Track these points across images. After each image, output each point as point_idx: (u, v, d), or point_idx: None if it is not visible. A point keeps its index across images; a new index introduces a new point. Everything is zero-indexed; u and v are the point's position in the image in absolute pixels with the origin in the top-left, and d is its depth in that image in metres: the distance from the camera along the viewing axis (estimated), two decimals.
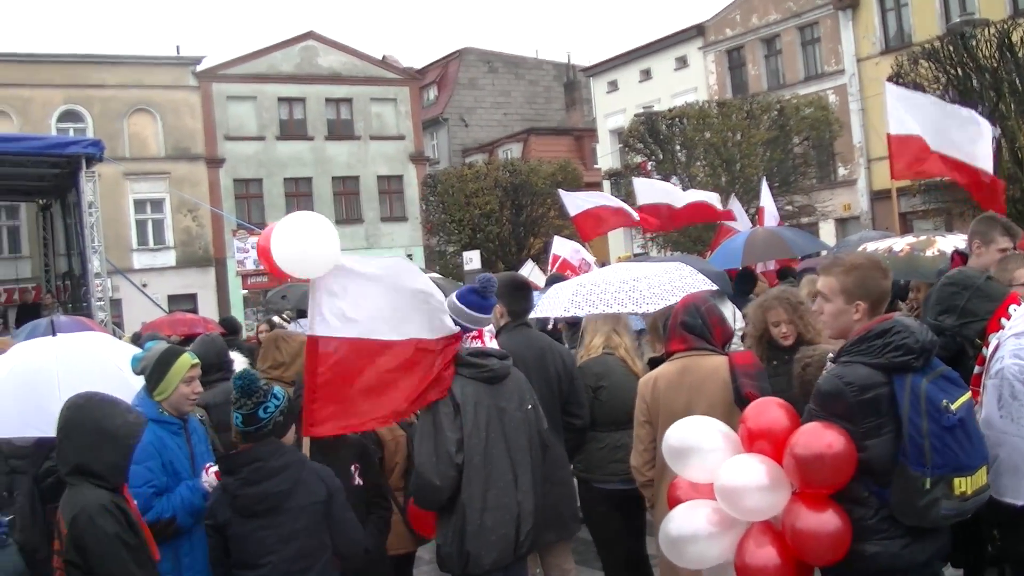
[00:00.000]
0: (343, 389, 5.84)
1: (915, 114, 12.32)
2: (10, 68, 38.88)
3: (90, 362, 6.52)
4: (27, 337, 11.80)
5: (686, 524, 4.74)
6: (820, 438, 4.30)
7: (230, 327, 14.58)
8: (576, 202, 17.20)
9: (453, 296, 6.18)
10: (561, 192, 18.18)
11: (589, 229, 16.94)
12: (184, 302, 38.01)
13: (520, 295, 7.12)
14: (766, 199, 18.17)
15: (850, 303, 4.56)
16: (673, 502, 4.97)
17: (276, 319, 16.69)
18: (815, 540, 4.35)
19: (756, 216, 20.50)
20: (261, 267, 39.86)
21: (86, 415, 4.79)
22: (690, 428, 4.96)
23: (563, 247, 18.15)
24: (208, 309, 37.53)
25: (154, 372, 5.91)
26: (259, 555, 5.13)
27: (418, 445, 5.76)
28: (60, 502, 4.74)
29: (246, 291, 41.33)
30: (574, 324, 9.34)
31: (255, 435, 5.23)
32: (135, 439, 4.85)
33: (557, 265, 17.36)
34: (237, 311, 38.75)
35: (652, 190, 17.64)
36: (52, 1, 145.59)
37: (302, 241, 5.81)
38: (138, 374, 5.95)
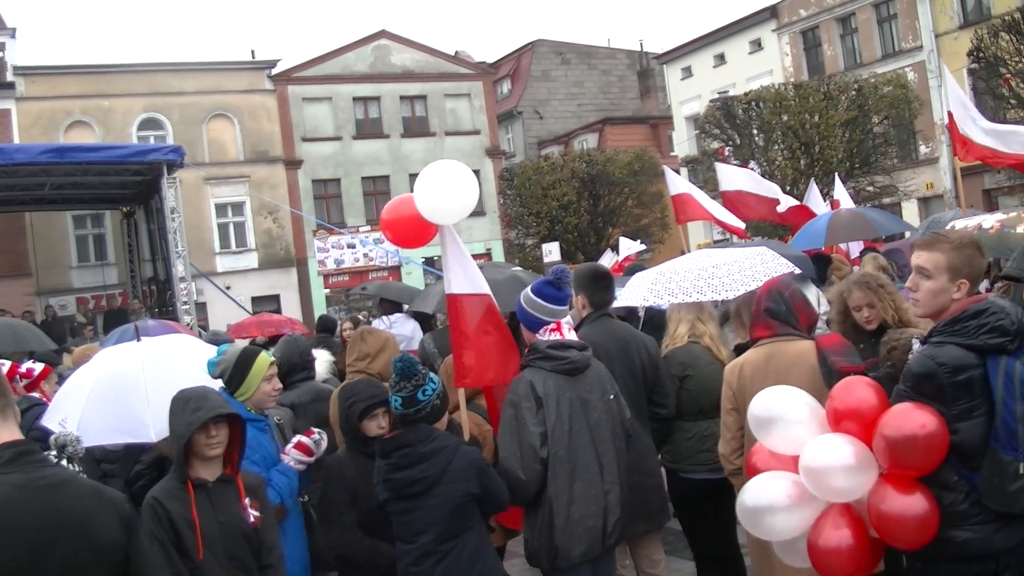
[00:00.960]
0: (481, 342, 6.27)
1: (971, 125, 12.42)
2: (91, 79, 39.54)
3: (175, 366, 6.57)
4: (116, 342, 11.97)
5: (764, 494, 4.70)
6: (912, 419, 4.20)
7: (326, 326, 14.68)
8: (677, 182, 16.97)
9: (528, 290, 6.16)
10: (665, 168, 17.91)
11: (682, 212, 16.69)
12: (267, 303, 38.45)
13: (601, 285, 7.07)
14: (840, 193, 17.85)
15: (953, 281, 4.42)
16: (751, 470, 4.93)
17: (360, 316, 16.84)
18: (902, 523, 4.26)
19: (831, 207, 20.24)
20: (343, 265, 40.44)
21: (169, 411, 5.06)
22: (776, 397, 4.91)
23: (629, 247, 18.05)
24: (291, 309, 37.88)
25: (235, 374, 5.96)
26: (412, 533, 5.35)
27: (501, 440, 5.75)
28: None
29: (328, 290, 41.67)
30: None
31: (412, 418, 5.40)
32: (184, 439, 4.99)
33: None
34: (319, 310, 39.03)
35: (735, 176, 17.46)
36: (130, 12, 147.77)
37: (446, 186, 6.07)
38: (216, 378, 5.99)
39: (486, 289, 6.43)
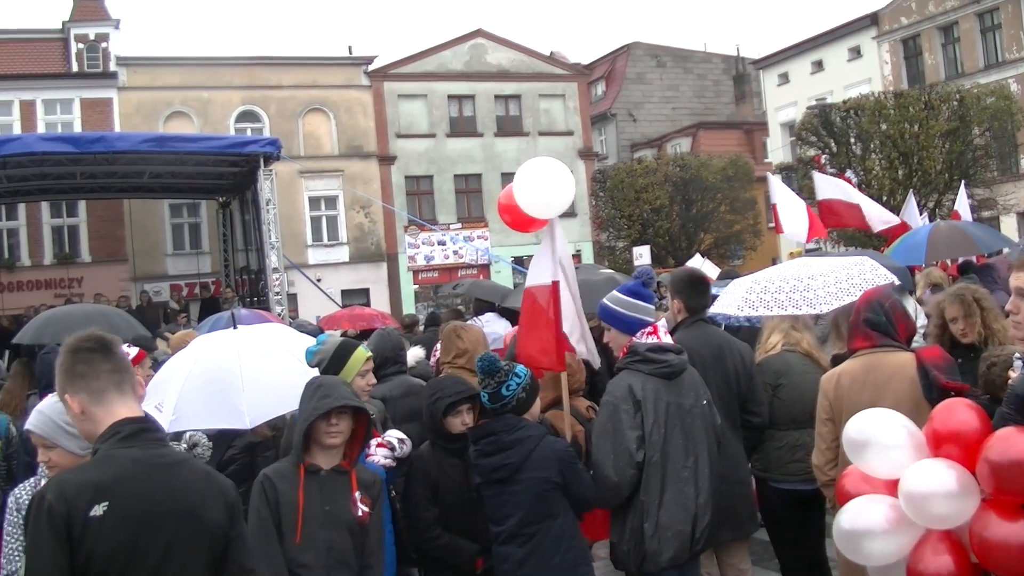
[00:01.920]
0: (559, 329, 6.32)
1: None
2: (192, 71, 40.07)
3: (270, 355, 6.64)
4: (210, 330, 12.15)
5: (861, 518, 4.60)
6: (1018, 443, 4.10)
7: (407, 324, 14.78)
8: (780, 190, 16.79)
9: (616, 292, 6.15)
10: (769, 176, 17.72)
11: (780, 221, 16.48)
12: (357, 296, 38.72)
13: (698, 290, 7.03)
14: (961, 204, 17.52)
15: None
16: (842, 493, 4.85)
17: (460, 308, 16.90)
18: (1005, 550, 4.15)
19: (949, 217, 19.86)
20: (432, 262, 40.61)
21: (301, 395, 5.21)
22: (872, 421, 4.81)
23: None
24: (380, 303, 38.03)
25: (331, 366, 6.00)
26: (501, 516, 5.55)
27: (596, 442, 5.75)
28: None
29: (417, 286, 41.83)
30: None
31: (499, 411, 5.61)
32: (307, 423, 5.09)
33: None
34: (408, 306, 39.34)
35: (831, 186, 17.24)
36: (231, 5, 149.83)
37: (546, 183, 6.15)
38: (313, 367, 6.04)
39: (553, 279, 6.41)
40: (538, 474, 5.49)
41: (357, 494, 5.12)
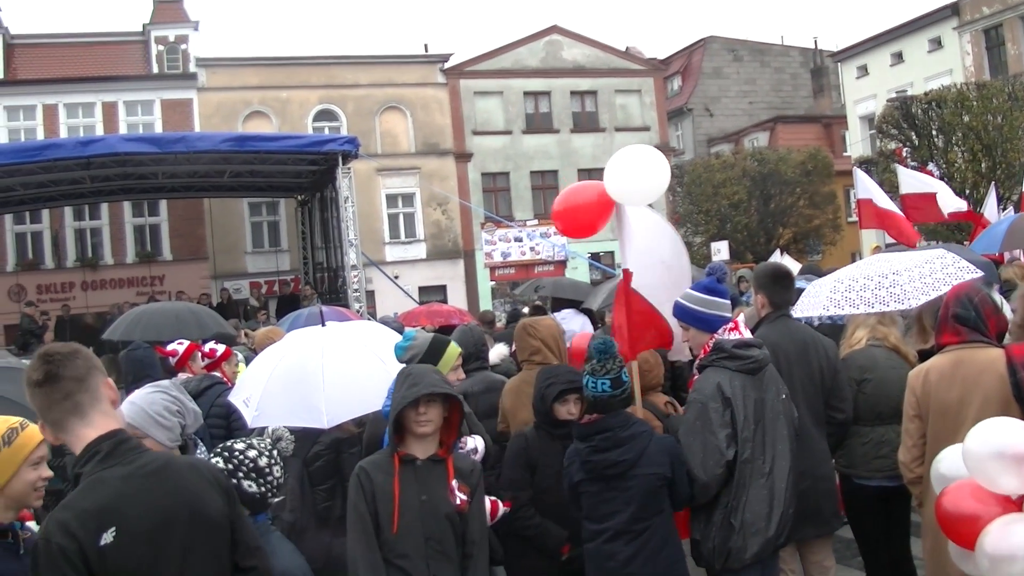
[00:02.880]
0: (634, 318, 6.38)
1: None
2: (270, 71, 40.55)
3: (353, 355, 6.67)
4: (290, 326, 12.25)
5: (1008, 541, 4.30)
6: None
7: (486, 320, 14.81)
8: (867, 186, 16.58)
9: (691, 291, 6.11)
10: (856, 171, 17.50)
11: (866, 217, 16.29)
12: (434, 293, 38.85)
13: (782, 285, 6.95)
14: None
15: None
16: (943, 515, 4.58)
17: (525, 310, 16.86)
18: None
19: (1020, 203, 19.56)
20: (509, 258, 40.64)
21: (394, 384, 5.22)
22: (1000, 430, 4.52)
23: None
24: (457, 300, 38.11)
25: (423, 360, 6.02)
26: (605, 513, 5.49)
27: (684, 440, 5.71)
28: None
29: (494, 283, 41.89)
30: None
31: (618, 400, 5.55)
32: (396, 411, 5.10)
33: None
34: (485, 302, 39.42)
35: (911, 179, 17.01)
36: (307, 5, 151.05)
37: (639, 169, 6.12)
38: (403, 362, 6.06)
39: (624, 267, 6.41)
40: (652, 470, 5.48)
41: (454, 483, 5.12)
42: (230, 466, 4.57)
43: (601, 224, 6.62)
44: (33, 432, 4.13)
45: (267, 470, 4.74)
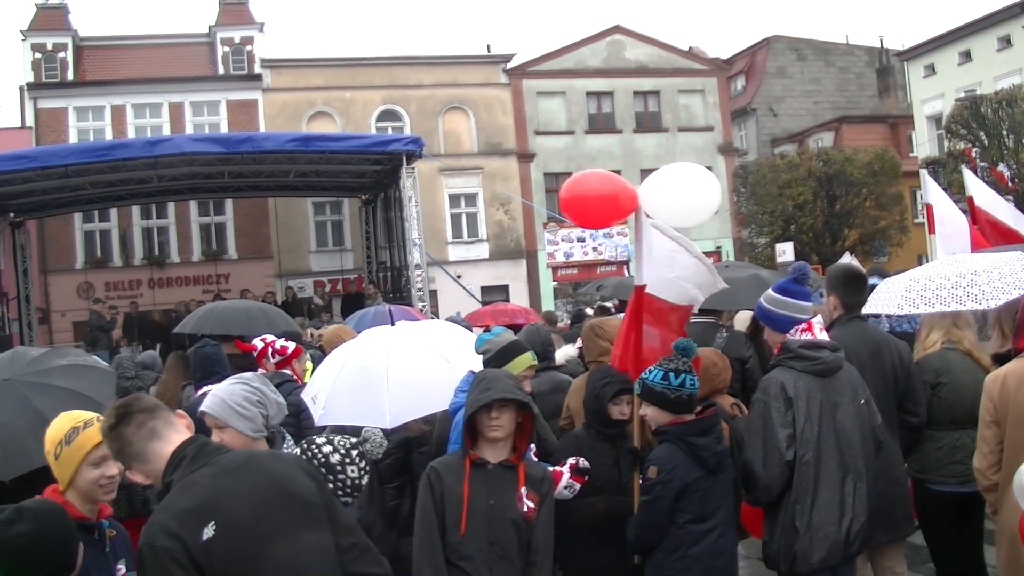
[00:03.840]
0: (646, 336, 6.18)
1: None
2: (334, 71, 40.82)
3: (419, 355, 6.69)
4: (356, 325, 12.30)
5: None
6: None
7: (549, 321, 14.80)
8: (936, 191, 16.28)
9: (770, 291, 6.07)
10: (923, 174, 17.22)
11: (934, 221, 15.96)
12: (496, 293, 38.88)
13: (855, 287, 6.89)
14: None
15: None
16: None
17: (588, 310, 16.83)
18: None
19: None
20: (572, 259, 40.60)
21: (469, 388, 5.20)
22: None
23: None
24: (519, 300, 37.99)
25: (495, 358, 6.02)
26: (711, 508, 5.48)
27: (747, 440, 5.69)
28: None
29: (555, 283, 41.88)
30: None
31: (696, 399, 5.59)
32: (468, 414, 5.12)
33: None
34: (547, 302, 39.41)
35: (985, 195, 16.70)
36: (370, 6, 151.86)
37: (685, 188, 6.04)
38: (480, 353, 6.08)
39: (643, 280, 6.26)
40: (736, 461, 5.64)
41: (524, 489, 5.11)
42: (304, 458, 4.60)
43: (613, 221, 6.51)
44: (93, 432, 4.21)
45: (338, 467, 4.75)
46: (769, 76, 59.79)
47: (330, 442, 4.78)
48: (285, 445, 5.08)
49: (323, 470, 4.68)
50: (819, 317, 6.11)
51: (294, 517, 3.56)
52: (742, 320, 9.86)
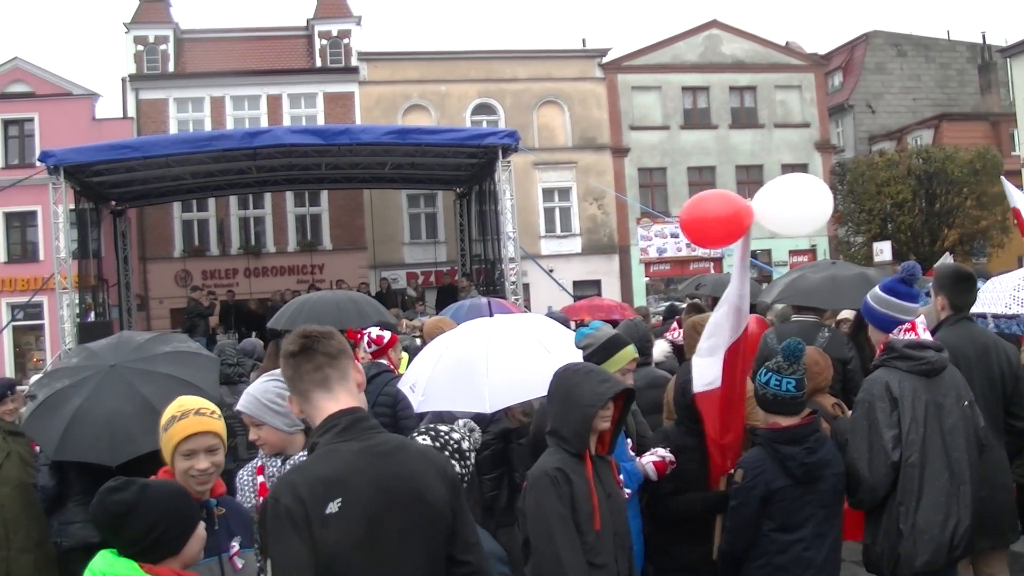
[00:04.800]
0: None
1: None
2: (430, 64, 41.08)
3: (519, 343, 6.70)
4: (451, 317, 12.38)
5: None
6: None
7: (642, 315, 14.72)
8: (1015, 195, 15.94)
9: (877, 289, 5.99)
10: (1003, 181, 16.90)
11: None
12: (588, 288, 38.75)
13: (964, 287, 6.75)
14: None
15: None
16: None
17: (682, 306, 16.71)
18: None
19: None
20: (665, 254, 40.43)
21: (560, 383, 5.05)
22: None
23: None
24: (611, 295, 37.87)
25: (597, 354, 6.01)
26: (802, 518, 5.35)
27: (851, 441, 5.62)
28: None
29: (648, 278, 41.73)
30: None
31: (798, 403, 5.45)
32: (593, 408, 4.96)
33: None
34: (640, 298, 39.26)
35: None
36: (468, 1, 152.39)
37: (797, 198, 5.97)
38: (580, 348, 6.07)
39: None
40: (838, 468, 5.47)
41: (622, 477, 5.12)
42: (436, 444, 4.59)
43: (731, 241, 6.37)
44: (189, 424, 4.30)
45: (467, 454, 4.77)
46: (868, 72, 58.93)
47: (455, 429, 4.79)
48: None
49: (457, 455, 4.58)
50: (922, 317, 6.02)
51: (416, 523, 3.56)
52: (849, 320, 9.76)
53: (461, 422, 4.92)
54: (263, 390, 4.96)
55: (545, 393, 5.62)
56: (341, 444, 3.53)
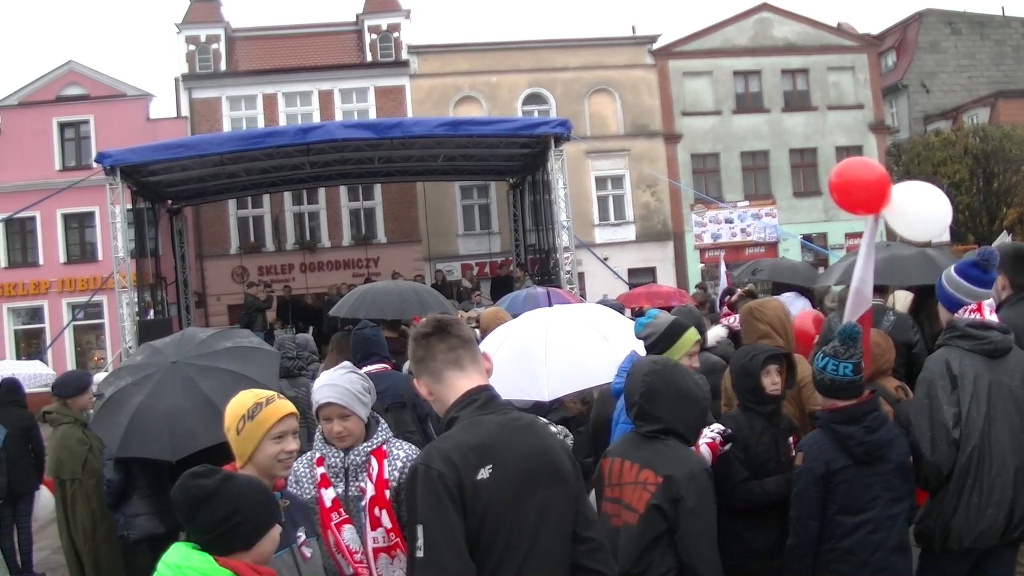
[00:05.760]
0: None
1: None
2: (481, 56, 41.14)
3: (577, 333, 6.71)
4: (507, 308, 12.40)
5: None
6: None
7: (700, 301, 14.66)
8: None
9: (951, 269, 5.94)
10: None
11: None
12: (643, 275, 38.69)
13: None
14: None
15: None
16: None
17: (737, 290, 16.65)
18: None
19: None
20: (720, 240, 40.21)
21: (666, 379, 5.02)
22: None
23: None
24: (666, 282, 37.83)
25: (660, 341, 6.00)
26: (866, 500, 5.30)
27: (914, 420, 5.57)
28: (641, 456, 4.93)
29: (703, 265, 41.55)
30: None
31: (855, 386, 5.40)
32: (707, 400, 5.11)
33: None
34: (694, 285, 39.08)
35: None
36: None
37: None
38: (641, 339, 6.06)
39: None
40: (901, 449, 5.40)
41: None
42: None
43: (879, 206, 6.36)
44: (277, 407, 4.32)
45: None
46: (921, 51, 58.23)
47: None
48: (379, 428, 5.14)
49: None
50: (991, 300, 5.97)
51: (555, 495, 3.64)
52: (901, 299, 9.68)
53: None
54: (350, 381, 4.98)
55: (603, 381, 5.63)
56: (484, 416, 3.63)
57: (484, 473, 3.45)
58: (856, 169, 6.28)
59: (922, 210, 6.13)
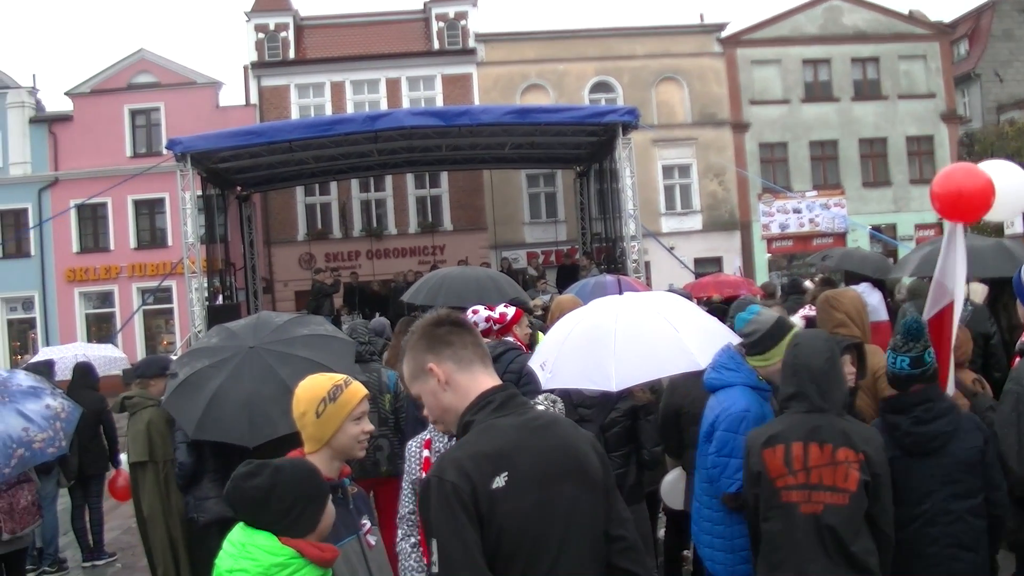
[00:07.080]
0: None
1: None
2: (547, 44, 41.11)
3: (646, 322, 6.68)
4: (576, 295, 12.38)
5: None
6: None
7: (768, 292, 14.58)
8: None
9: None
10: None
11: None
12: (709, 265, 38.48)
13: None
14: None
15: None
16: None
17: (807, 283, 16.51)
18: None
19: None
20: (787, 230, 39.91)
21: (820, 359, 5.09)
22: None
23: None
24: (732, 272, 37.76)
25: (764, 340, 5.90)
26: (921, 494, 5.20)
27: (1000, 429, 5.47)
28: (829, 436, 4.94)
29: (770, 255, 41.27)
30: None
31: (919, 378, 5.33)
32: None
33: None
34: (762, 275, 38.80)
35: None
36: None
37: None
38: (743, 335, 6.01)
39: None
40: (967, 443, 5.21)
41: None
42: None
43: (980, 214, 6.27)
44: (356, 388, 4.34)
45: None
46: (995, 39, 57.33)
47: (537, 402, 4.82)
48: None
49: None
50: None
51: (582, 495, 3.50)
52: (976, 292, 9.57)
53: (541, 396, 4.95)
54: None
55: (672, 372, 5.59)
56: (499, 419, 3.50)
57: (500, 481, 3.32)
58: (961, 178, 6.12)
59: (1004, 185, 6.04)
